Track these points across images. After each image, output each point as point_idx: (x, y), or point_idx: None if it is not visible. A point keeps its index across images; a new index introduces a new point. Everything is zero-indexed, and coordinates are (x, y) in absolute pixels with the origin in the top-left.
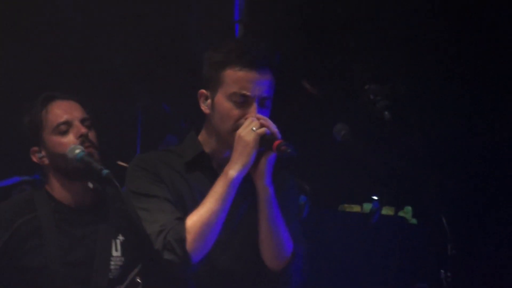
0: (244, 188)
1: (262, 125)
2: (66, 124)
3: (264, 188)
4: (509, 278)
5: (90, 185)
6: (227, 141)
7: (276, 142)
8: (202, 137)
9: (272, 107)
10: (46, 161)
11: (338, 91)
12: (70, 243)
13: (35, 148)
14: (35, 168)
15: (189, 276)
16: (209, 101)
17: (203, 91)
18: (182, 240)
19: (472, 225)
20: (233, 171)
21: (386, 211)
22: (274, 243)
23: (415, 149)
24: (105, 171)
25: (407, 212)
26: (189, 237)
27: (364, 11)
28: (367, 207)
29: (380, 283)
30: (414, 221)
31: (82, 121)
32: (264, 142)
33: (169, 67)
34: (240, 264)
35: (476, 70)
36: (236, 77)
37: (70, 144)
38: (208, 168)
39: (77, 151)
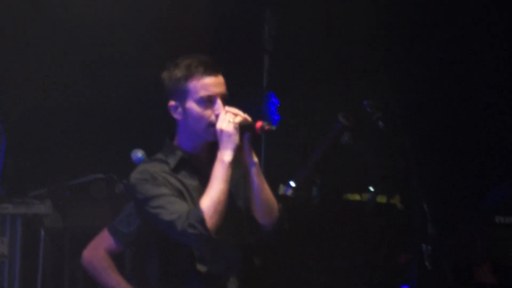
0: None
1: (234, 115)
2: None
3: (253, 162)
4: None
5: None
6: (204, 137)
7: (258, 125)
8: (178, 141)
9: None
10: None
11: (342, 106)
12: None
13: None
14: (111, 166)
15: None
16: (179, 109)
17: (172, 102)
18: (202, 220)
19: (447, 209)
20: (227, 156)
21: (380, 199)
22: (267, 203)
23: (404, 149)
24: None
25: (396, 200)
26: (207, 216)
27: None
28: (365, 196)
29: (373, 257)
30: (401, 206)
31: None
32: (243, 128)
33: None
34: (236, 236)
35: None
36: (201, 84)
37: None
38: (191, 167)
39: (139, 154)
